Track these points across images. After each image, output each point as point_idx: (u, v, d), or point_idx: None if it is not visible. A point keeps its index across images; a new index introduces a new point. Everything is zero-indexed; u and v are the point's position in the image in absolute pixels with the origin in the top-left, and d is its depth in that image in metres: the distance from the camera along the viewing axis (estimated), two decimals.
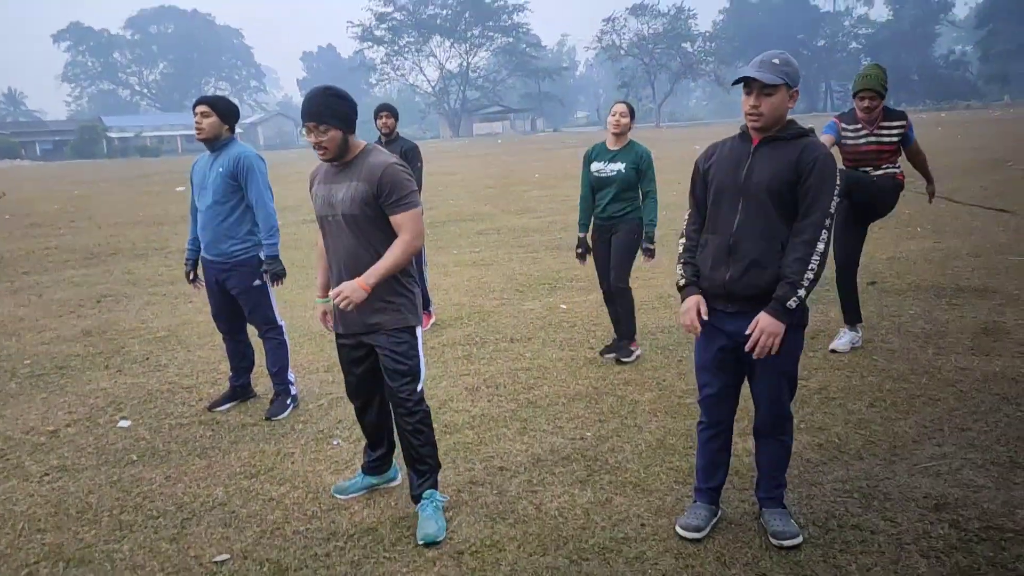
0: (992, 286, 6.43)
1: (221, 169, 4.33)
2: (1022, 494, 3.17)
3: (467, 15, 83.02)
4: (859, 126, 4.88)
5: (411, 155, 5.97)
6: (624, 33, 79.16)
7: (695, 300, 2.87)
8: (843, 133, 4.94)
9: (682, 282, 2.97)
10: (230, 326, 4.74)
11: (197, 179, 4.47)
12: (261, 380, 5.15)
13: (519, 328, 6.17)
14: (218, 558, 3.07)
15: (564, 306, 6.75)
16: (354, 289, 2.97)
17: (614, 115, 4.99)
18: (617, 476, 3.56)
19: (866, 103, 4.76)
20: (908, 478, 3.37)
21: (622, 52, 78.90)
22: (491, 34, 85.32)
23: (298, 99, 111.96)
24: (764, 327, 2.65)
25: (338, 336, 3.31)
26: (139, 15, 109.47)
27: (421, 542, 3.09)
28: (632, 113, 5.02)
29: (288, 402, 4.62)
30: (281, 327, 4.70)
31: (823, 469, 3.49)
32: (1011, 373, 4.48)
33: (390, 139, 6.15)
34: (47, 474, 3.94)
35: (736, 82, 2.76)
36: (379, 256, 3.06)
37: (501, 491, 3.49)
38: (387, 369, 3.19)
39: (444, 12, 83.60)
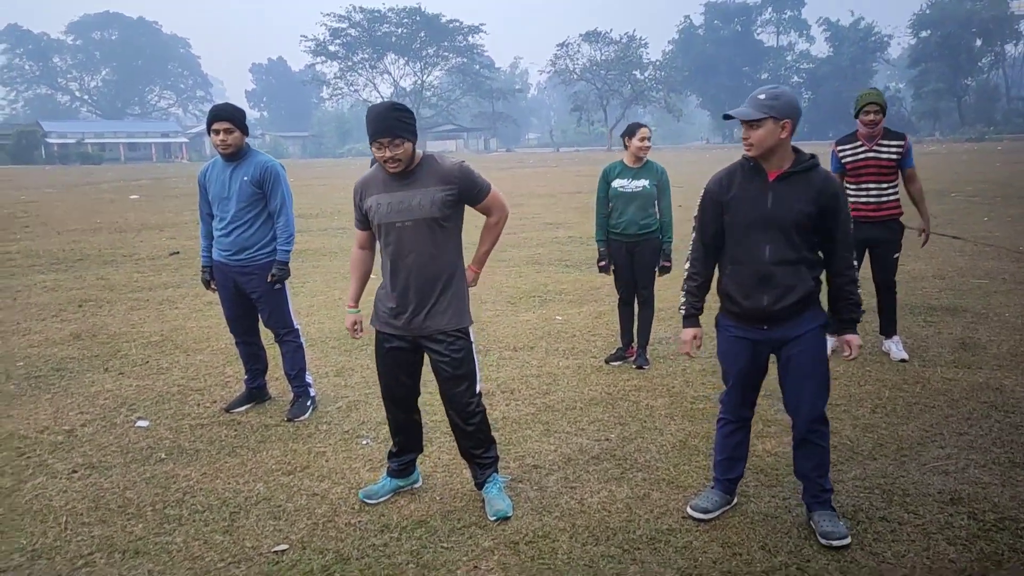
0: (961, 305, 6.86)
1: (246, 178, 4.39)
2: None
3: (422, 34, 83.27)
4: (859, 143, 5.23)
5: None
6: (577, 58, 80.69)
7: (694, 333, 3.22)
8: (842, 155, 5.28)
9: (683, 311, 3.25)
10: (245, 329, 4.78)
11: (215, 188, 4.48)
12: (274, 383, 5.19)
13: (519, 338, 6.32)
14: (277, 548, 3.13)
15: (559, 318, 6.92)
16: (471, 277, 3.36)
17: (642, 140, 5.23)
18: (650, 474, 3.73)
19: (871, 116, 5.11)
20: (920, 476, 3.63)
21: (575, 76, 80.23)
22: (446, 54, 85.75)
23: (247, 110, 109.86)
24: (855, 342, 3.07)
25: (386, 339, 3.39)
26: (82, 20, 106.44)
27: (493, 518, 3.29)
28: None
29: (308, 404, 4.68)
30: (297, 330, 4.76)
31: (842, 468, 3.72)
32: (994, 384, 4.83)
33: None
34: (75, 471, 3.91)
35: (726, 117, 3.03)
36: (452, 255, 3.27)
37: (541, 487, 3.63)
38: (446, 374, 3.32)
39: (399, 30, 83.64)
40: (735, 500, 3.37)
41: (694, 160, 36.50)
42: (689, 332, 3.22)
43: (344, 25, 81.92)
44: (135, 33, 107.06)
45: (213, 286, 4.72)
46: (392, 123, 3.07)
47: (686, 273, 3.24)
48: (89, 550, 3.15)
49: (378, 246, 3.40)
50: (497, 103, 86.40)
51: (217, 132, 4.31)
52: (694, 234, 3.23)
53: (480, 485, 3.50)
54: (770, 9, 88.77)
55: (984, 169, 25.38)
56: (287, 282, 4.64)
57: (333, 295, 8.27)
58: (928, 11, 76.17)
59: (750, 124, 2.92)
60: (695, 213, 3.23)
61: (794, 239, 2.97)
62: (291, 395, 4.78)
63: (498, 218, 3.41)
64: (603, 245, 5.46)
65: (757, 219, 2.99)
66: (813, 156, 3.03)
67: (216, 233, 4.55)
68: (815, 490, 3.17)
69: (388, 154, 3.11)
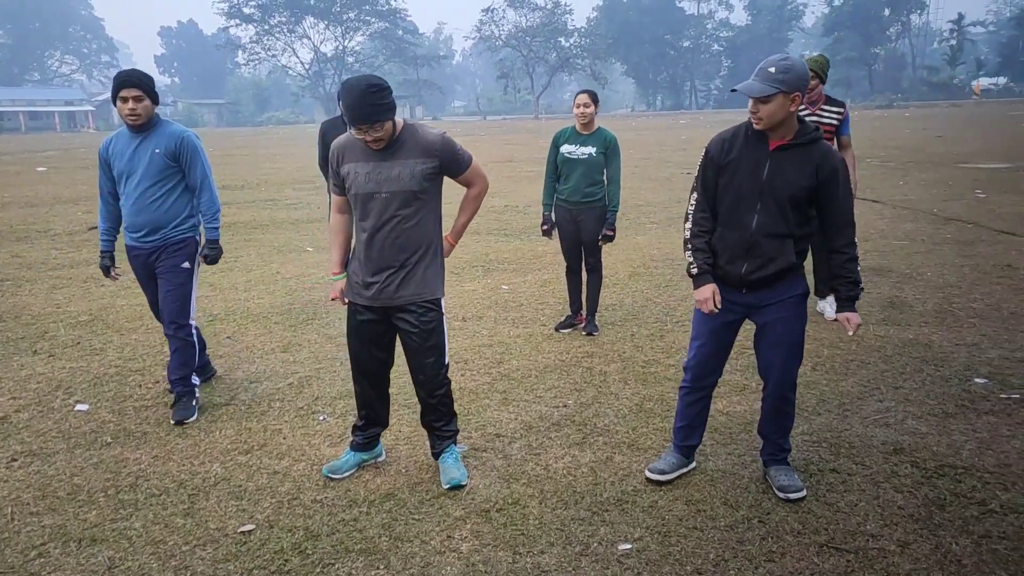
0: (886, 266, 7.19)
1: (158, 151, 4.02)
2: (960, 438, 3.68)
3: None
4: (803, 106, 5.37)
5: None
6: (503, 24, 79.93)
7: (712, 289, 3.11)
8: None
9: (695, 271, 3.17)
10: None
11: (121, 163, 4.06)
12: (218, 359, 5.05)
13: (467, 308, 6.30)
14: (243, 528, 3.07)
15: (505, 287, 6.93)
16: (447, 247, 3.34)
17: (578, 107, 5.23)
18: (610, 438, 3.81)
19: (810, 82, 5.24)
20: (863, 429, 3.82)
21: (500, 43, 79.54)
22: (367, 18, 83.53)
23: (156, 76, 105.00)
24: (855, 320, 3.05)
25: (359, 310, 3.33)
26: None
27: (447, 486, 3.30)
28: (596, 100, 5.27)
29: (194, 403, 4.21)
30: (192, 325, 4.30)
31: None
32: (923, 339, 5.10)
33: None
34: (14, 459, 3.73)
35: (733, 91, 3.02)
36: (429, 226, 3.22)
37: (505, 455, 3.66)
38: (415, 346, 3.29)
39: None
40: (693, 463, 3.44)
41: (620, 127, 36.85)
42: (707, 288, 3.10)
43: None
44: None
45: (114, 273, 4.36)
46: (369, 109, 2.96)
47: (688, 232, 3.18)
48: (41, 540, 3.01)
49: (355, 214, 3.29)
50: (422, 70, 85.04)
51: (125, 100, 3.92)
52: (695, 194, 3.19)
53: (436, 455, 3.50)
54: None
55: (895, 135, 26.53)
56: (196, 266, 4.25)
57: (270, 269, 8.05)
58: None
59: (760, 99, 2.85)
60: (695, 173, 3.21)
61: (786, 211, 2.96)
62: (190, 379, 4.27)
63: (479, 190, 3.38)
64: (548, 210, 5.48)
65: (751, 187, 2.98)
66: (817, 128, 2.99)
67: (125, 214, 4.15)
68: (774, 449, 3.29)
69: (370, 137, 3.04)
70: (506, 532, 3.01)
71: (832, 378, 4.49)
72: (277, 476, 3.50)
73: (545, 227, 5.50)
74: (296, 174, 19.04)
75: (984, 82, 74.61)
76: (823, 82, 5.32)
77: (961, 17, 77.66)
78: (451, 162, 3.24)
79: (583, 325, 5.60)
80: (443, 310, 3.34)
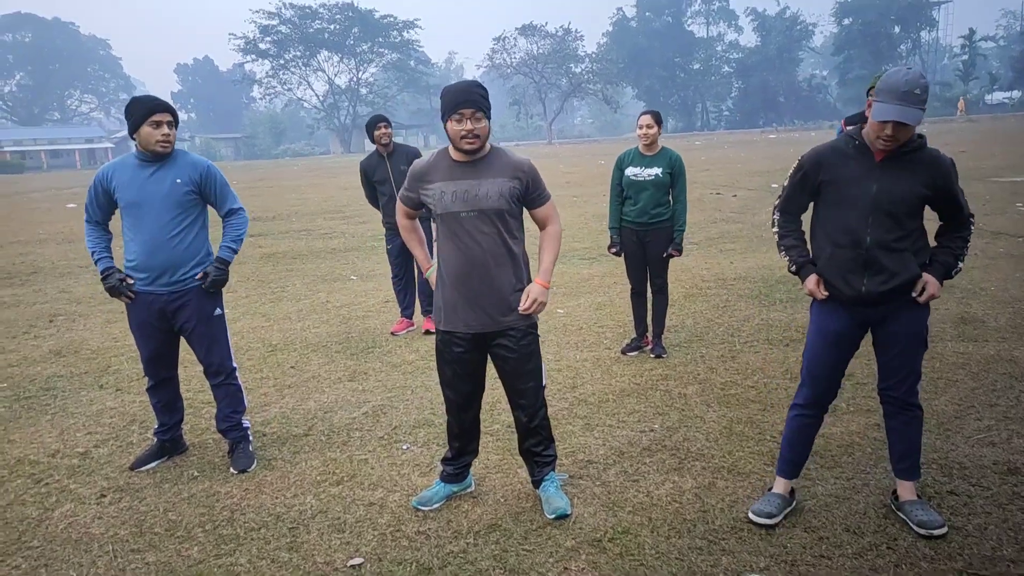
0: (946, 281, 7.06)
1: (179, 180, 3.70)
2: None
3: (355, 30, 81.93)
4: None
5: None
6: (514, 52, 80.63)
7: (816, 278, 3.06)
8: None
9: (794, 268, 3.14)
10: (169, 371, 4.05)
11: (130, 194, 3.69)
12: (286, 389, 5.00)
13: None
14: (352, 562, 2.99)
15: (561, 311, 6.87)
16: (541, 291, 3.15)
17: (641, 127, 5.20)
18: (707, 463, 3.71)
19: None
20: (970, 448, 3.70)
21: (511, 71, 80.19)
22: (380, 50, 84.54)
23: None
24: (933, 289, 2.96)
25: (450, 336, 3.28)
26: None
27: (552, 516, 3.21)
28: (659, 121, 5.23)
29: (251, 449, 4.02)
30: (236, 369, 4.09)
31: None
32: (1005, 356, 4.98)
33: (390, 150, 6.11)
34: (103, 495, 3.68)
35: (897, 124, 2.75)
36: (512, 248, 3.15)
37: (603, 482, 3.57)
38: (515, 370, 3.23)
39: (331, 27, 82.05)
40: (795, 502, 3.24)
41: None
42: (812, 278, 3.05)
43: (274, 22, 79.98)
44: (50, 35, 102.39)
45: (130, 292, 3.79)
46: (478, 97, 3.00)
47: (776, 236, 3.18)
48: None
49: (437, 233, 3.26)
50: (434, 99, 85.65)
51: (159, 125, 3.62)
52: (780, 200, 3.16)
53: (537, 484, 3.42)
54: (699, 0, 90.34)
55: None
56: (206, 279, 3.82)
57: (319, 298, 8.03)
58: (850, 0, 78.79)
59: (903, 124, 2.75)
60: (785, 181, 3.15)
61: (902, 222, 2.88)
62: (225, 443, 4.08)
63: (557, 229, 3.29)
64: (615, 232, 5.43)
65: (861, 203, 2.90)
66: (921, 136, 2.91)
67: (134, 253, 3.74)
68: (915, 459, 3.14)
69: (469, 126, 2.99)
70: (624, 563, 2.91)
71: (924, 397, 4.31)
72: (374, 508, 3.42)
73: (614, 249, 5.45)
74: (324, 204, 19.15)
75: (998, 96, 74.44)
76: None
77: (972, 32, 77.65)
78: (534, 189, 3.18)
79: (650, 347, 5.52)
80: (538, 333, 3.29)
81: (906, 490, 3.16)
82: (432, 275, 3.36)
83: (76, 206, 21.76)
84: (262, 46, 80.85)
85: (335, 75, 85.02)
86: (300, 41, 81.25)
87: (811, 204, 3.15)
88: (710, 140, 54.42)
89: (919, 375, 3.12)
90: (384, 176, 6.12)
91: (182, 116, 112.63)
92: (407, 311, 6.45)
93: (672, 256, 5.33)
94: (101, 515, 3.47)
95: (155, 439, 4.10)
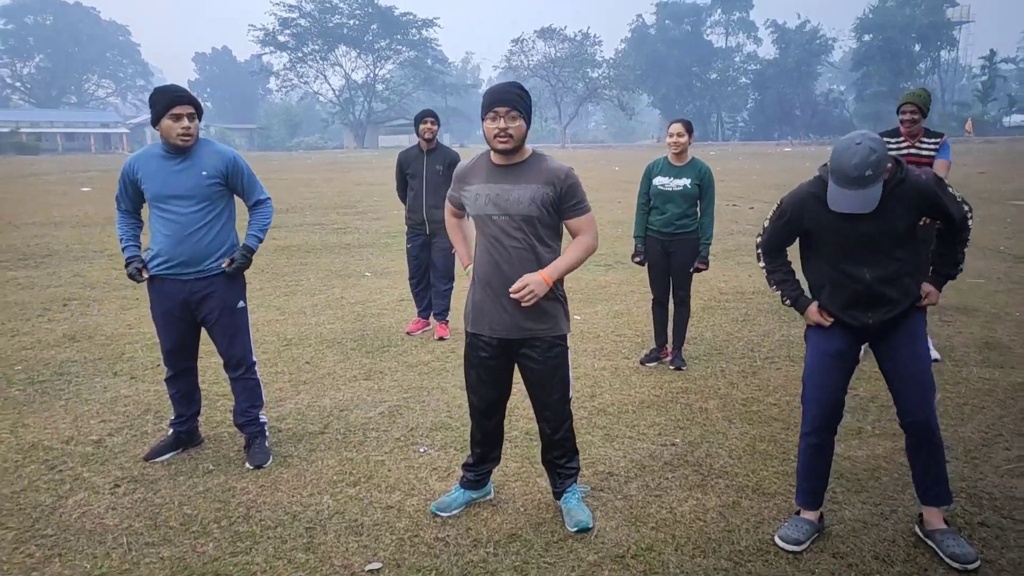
0: (970, 304, 6.98)
1: (205, 172, 3.67)
2: None
3: (374, 26, 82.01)
4: (902, 139, 5.24)
5: (455, 167, 5.92)
6: (532, 54, 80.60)
7: (815, 307, 3.06)
8: (888, 146, 5.27)
9: (788, 301, 3.15)
10: (189, 362, 4.01)
11: (157, 185, 3.68)
12: (301, 385, 4.95)
13: None
14: (370, 566, 2.94)
15: (578, 317, 6.81)
16: (539, 283, 2.99)
17: (671, 136, 5.14)
18: (731, 481, 3.65)
19: (907, 116, 5.12)
20: (999, 479, 3.62)
21: (527, 73, 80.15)
22: (398, 47, 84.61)
23: None
24: (934, 299, 3.05)
25: (476, 338, 3.23)
26: (14, 4, 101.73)
27: (574, 529, 3.16)
28: (691, 130, 5.17)
29: (267, 445, 3.98)
30: (255, 363, 4.06)
31: None
32: None
33: (431, 147, 6.05)
34: (117, 485, 3.64)
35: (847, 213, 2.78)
36: (542, 255, 3.07)
37: (625, 496, 3.51)
38: (540, 381, 3.18)
39: (351, 22, 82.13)
40: (822, 526, 3.18)
41: (648, 158, 36.70)
42: (813, 308, 3.06)
43: (294, 15, 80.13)
44: (72, 18, 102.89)
45: (146, 273, 3.80)
46: (514, 96, 2.96)
47: (765, 272, 3.22)
48: (163, 573, 2.91)
49: (476, 236, 3.22)
50: (450, 98, 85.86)
51: (179, 117, 3.57)
52: (763, 241, 3.17)
53: (558, 495, 3.37)
54: (719, 10, 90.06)
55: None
56: (230, 264, 3.81)
57: (333, 294, 7.99)
58: (871, 15, 78.50)
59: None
60: (767, 218, 3.13)
61: (894, 253, 2.89)
62: (241, 436, 4.05)
63: (589, 240, 3.14)
64: (640, 242, 5.38)
65: (852, 241, 2.88)
66: (898, 162, 2.86)
67: (159, 242, 3.73)
68: (944, 484, 3.07)
69: (502, 124, 2.94)
70: None
71: (950, 423, 4.29)
72: (392, 511, 3.37)
73: (638, 259, 5.39)
74: (338, 199, 19.14)
75: (1016, 119, 73.99)
76: (924, 116, 5.19)
77: (993, 53, 77.27)
78: (570, 198, 3.06)
79: (669, 359, 5.46)
80: (568, 344, 3.23)
81: (934, 516, 3.09)
82: (470, 272, 3.32)
83: (91, 190, 21.84)
84: (281, 38, 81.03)
85: (352, 70, 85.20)
86: (319, 35, 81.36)
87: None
88: (724, 151, 54.22)
89: (934, 387, 3.05)
90: (418, 170, 6.06)
91: None
92: (424, 312, 6.40)
93: (700, 270, 5.27)
94: (115, 506, 3.43)
95: (171, 430, 4.06)
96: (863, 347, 3.42)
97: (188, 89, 3.77)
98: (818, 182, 2.96)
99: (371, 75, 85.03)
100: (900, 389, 3.05)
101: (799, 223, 3.00)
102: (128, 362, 5.59)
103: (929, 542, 3.03)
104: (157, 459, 3.91)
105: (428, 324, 6.41)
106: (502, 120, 2.94)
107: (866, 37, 79.12)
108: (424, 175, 6.00)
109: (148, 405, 4.70)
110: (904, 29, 76.10)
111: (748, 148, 56.14)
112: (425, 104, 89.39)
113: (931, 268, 3.11)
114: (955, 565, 2.88)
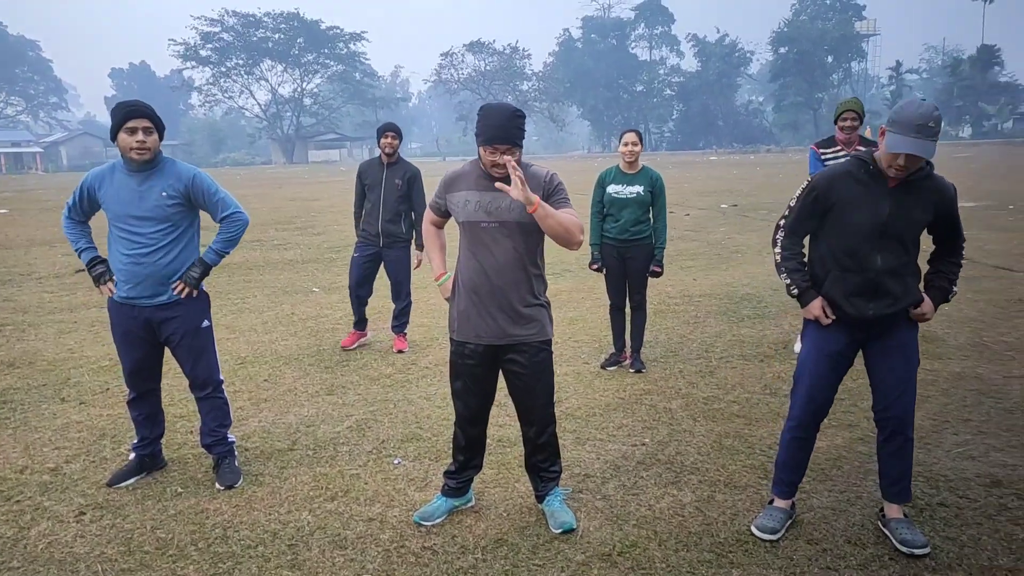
0: None
1: (165, 193, 3.55)
2: None
3: (300, 40, 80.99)
4: (839, 147, 5.48)
5: (414, 182, 5.95)
6: (462, 68, 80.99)
7: (820, 301, 3.10)
8: (824, 156, 5.53)
9: (795, 291, 3.17)
10: (152, 383, 3.89)
11: (118, 205, 3.56)
12: (262, 403, 4.86)
13: None
14: None
15: None
16: (531, 195, 2.90)
17: (626, 144, 5.27)
18: (703, 476, 3.75)
19: (848, 123, 5.36)
20: (951, 462, 3.83)
21: (457, 86, 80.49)
22: (326, 61, 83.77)
23: (103, 117, 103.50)
24: (929, 312, 3.11)
25: (462, 346, 3.24)
26: None
27: (558, 530, 3.21)
28: (642, 139, 5.32)
29: (237, 464, 3.90)
30: (222, 381, 3.95)
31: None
32: (970, 373, 5.19)
33: (392, 160, 6.02)
34: (83, 513, 3.50)
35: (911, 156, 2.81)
36: (528, 265, 3.13)
37: (604, 496, 3.57)
38: (526, 386, 3.22)
39: (276, 36, 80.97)
40: (795, 515, 3.30)
41: (579, 169, 37.29)
42: (816, 303, 3.09)
43: (216, 29, 78.56)
44: None
45: (112, 289, 3.67)
46: (513, 131, 2.98)
47: (778, 257, 3.18)
48: None
49: (462, 243, 3.23)
50: (380, 112, 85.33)
51: (133, 131, 3.43)
52: (784, 221, 3.18)
53: (541, 498, 3.41)
54: (643, 24, 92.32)
55: None
56: (181, 282, 3.66)
57: (283, 310, 7.85)
58: (786, 29, 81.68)
59: (915, 156, 2.81)
60: (792, 200, 3.16)
61: (909, 247, 2.99)
62: (211, 457, 3.94)
63: (579, 222, 3.15)
64: (596, 249, 5.49)
65: (872, 227, 2.95)
66: (929, 163, 2.97)
67: (118, 264, 3.61)
68: (905, 483, 3.18)
69: (501, 160, 2.98)
70: None
71: None
72: (374, 523, 3.35)
73: (596, 266, 5.50)
74: (273, 215, 18.80)
75: None
76: (862, 123, 5.46)
77: (899, 64, 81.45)
78: (554, 193, 3.12)
79: (629, 362, 5.57)
80: (552, 349, 3.28)
81: (893, 510, 3.22)
82: (445, 282, 3.33)
83: (8, 211, 20.89)
84: (203, 53, 79.26)
85: (278, 84, 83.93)
86: (243, 49, 79.92)
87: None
88: (653, 160, 55.47)
89: (914, 394, 3.17)
90: (376, 181, 6.02)
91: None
92: (360, 324, 6.32)
93: (656, 274, 5.41)
94: (83, 533, 3.31)
95: (133, 454, 3.93)
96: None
97: (147, 103, 3.62)
98: (854, 161, 3.03)
99: (299, 89, 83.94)
100: (884, 383, 3.13)
101: (827, 199, 3.03)
102: (75, 387, 5.38)
103: (885, 531, 3.16)
104: (121, 484, 3.78)
105: (365, 336, 6.37)
106: (500, 156, 2.99)
107: (782, 50, 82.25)
108: (383, 188, 5.98)
109: (103, 430, 4.53)
110: (817, 41, 79.46)
111: (676, 157, 57.63)
112: (355, 118, 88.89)
113: (927, 286, 3.13)
114: (903, 549, 3.01)
